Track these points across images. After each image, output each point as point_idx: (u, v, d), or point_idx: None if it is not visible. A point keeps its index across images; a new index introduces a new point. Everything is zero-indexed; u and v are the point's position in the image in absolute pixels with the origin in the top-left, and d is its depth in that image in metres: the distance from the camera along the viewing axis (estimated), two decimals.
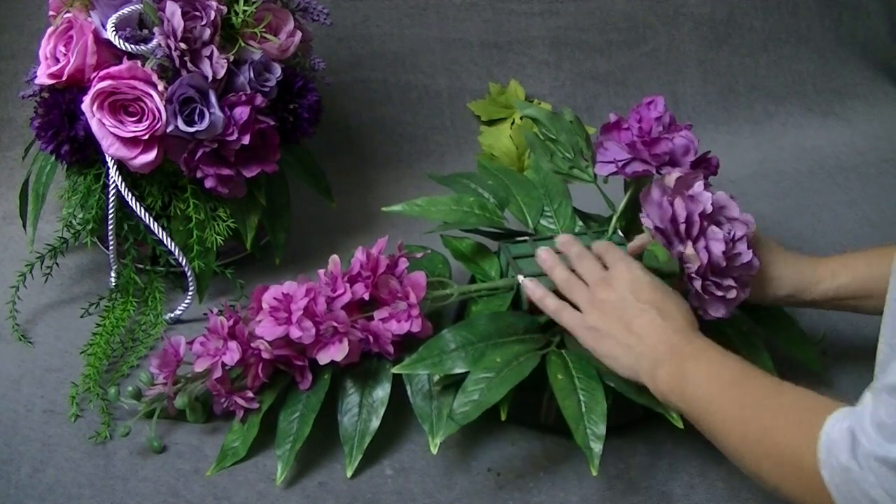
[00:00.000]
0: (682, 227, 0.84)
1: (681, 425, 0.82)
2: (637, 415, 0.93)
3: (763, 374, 0.75)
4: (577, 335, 0.84)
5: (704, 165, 0.97)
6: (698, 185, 0.86)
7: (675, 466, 0.91)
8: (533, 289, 0.88)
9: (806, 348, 0.99)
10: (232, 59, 1.02)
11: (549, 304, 0.86)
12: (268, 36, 1.05)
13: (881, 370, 0.60)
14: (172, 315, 1.07)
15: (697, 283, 0.85)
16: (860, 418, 0.59)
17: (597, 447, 0.81)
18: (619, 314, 0.82)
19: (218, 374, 0.88)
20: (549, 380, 0.85)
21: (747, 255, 0.86)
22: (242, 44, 1.04)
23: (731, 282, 0.86)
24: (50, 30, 1.04)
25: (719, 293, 0.86)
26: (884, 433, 0.57)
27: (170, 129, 0.99)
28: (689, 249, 0.84)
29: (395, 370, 0.87)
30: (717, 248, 0.84)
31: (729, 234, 0.85)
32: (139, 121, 0.99)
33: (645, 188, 0.89)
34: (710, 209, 0.85)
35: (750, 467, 0.70)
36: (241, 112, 1.01)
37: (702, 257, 0.84)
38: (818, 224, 1.36)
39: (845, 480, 0.59)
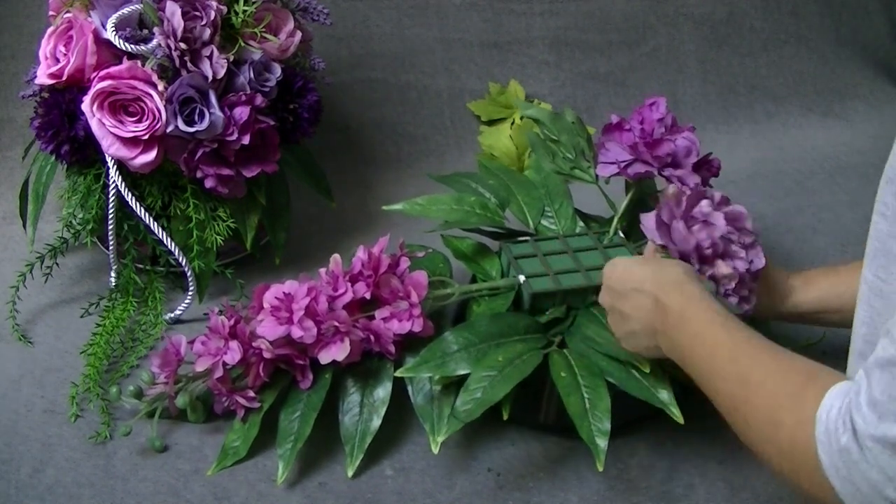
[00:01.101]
0: (709, 253, 0.86)
1: (681, 421, 0.83)
2: (636, 414, 0.93)
3: (749, 336, 0.72)
4: None
5: (706, 167, 0.97)
6: (706, 205, 0.87)
7: (675, 466, 0.91)
8: None
9: (798, 347, 1.00)
10: (232, 59, 1.02)
11: None
12: (268, 36, 1.05)
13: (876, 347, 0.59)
14: (172, 315, 1.07)
15: (734, 300, 0.86)
16: (856, 397, 0.57)
17: (602, 443, 0.81)
18: (613, 307, 0.84)
19: (219, 373, 0.88)
20: (553, 378, 0.85)
21: (760, 261, 0.88)
22: (242, 44, 1.04)
23: (747, 291, 0.87)
24: (50, 30, 1.04)
25: (746, 306, 0.87)
26: (878, 411, 0.55)
27: (170, 129, 0.99)
28: (725, 269, 0.85)
29: (398, 374, 0.87)
30: (741, 266, 0.86)
31: (742, 245, 0.87)
32: (139, 121, 0.99)
33: (652, 213, 0.88)
34: (725, 230, 0.86)
35: (749, 445, 0.68)
36: (241, 112, 1.01)
37: (739, 271, 0.85)
38: (818, 224, 1.36)
39: (846, 463, 0.57)
